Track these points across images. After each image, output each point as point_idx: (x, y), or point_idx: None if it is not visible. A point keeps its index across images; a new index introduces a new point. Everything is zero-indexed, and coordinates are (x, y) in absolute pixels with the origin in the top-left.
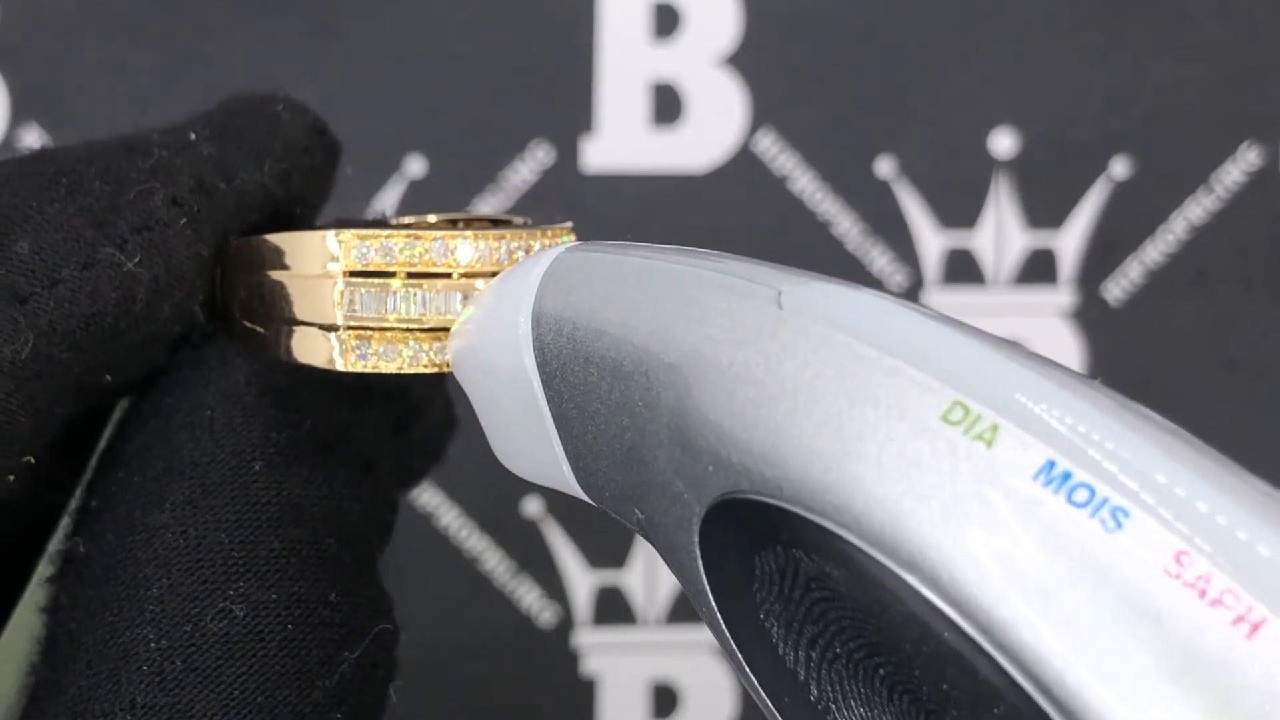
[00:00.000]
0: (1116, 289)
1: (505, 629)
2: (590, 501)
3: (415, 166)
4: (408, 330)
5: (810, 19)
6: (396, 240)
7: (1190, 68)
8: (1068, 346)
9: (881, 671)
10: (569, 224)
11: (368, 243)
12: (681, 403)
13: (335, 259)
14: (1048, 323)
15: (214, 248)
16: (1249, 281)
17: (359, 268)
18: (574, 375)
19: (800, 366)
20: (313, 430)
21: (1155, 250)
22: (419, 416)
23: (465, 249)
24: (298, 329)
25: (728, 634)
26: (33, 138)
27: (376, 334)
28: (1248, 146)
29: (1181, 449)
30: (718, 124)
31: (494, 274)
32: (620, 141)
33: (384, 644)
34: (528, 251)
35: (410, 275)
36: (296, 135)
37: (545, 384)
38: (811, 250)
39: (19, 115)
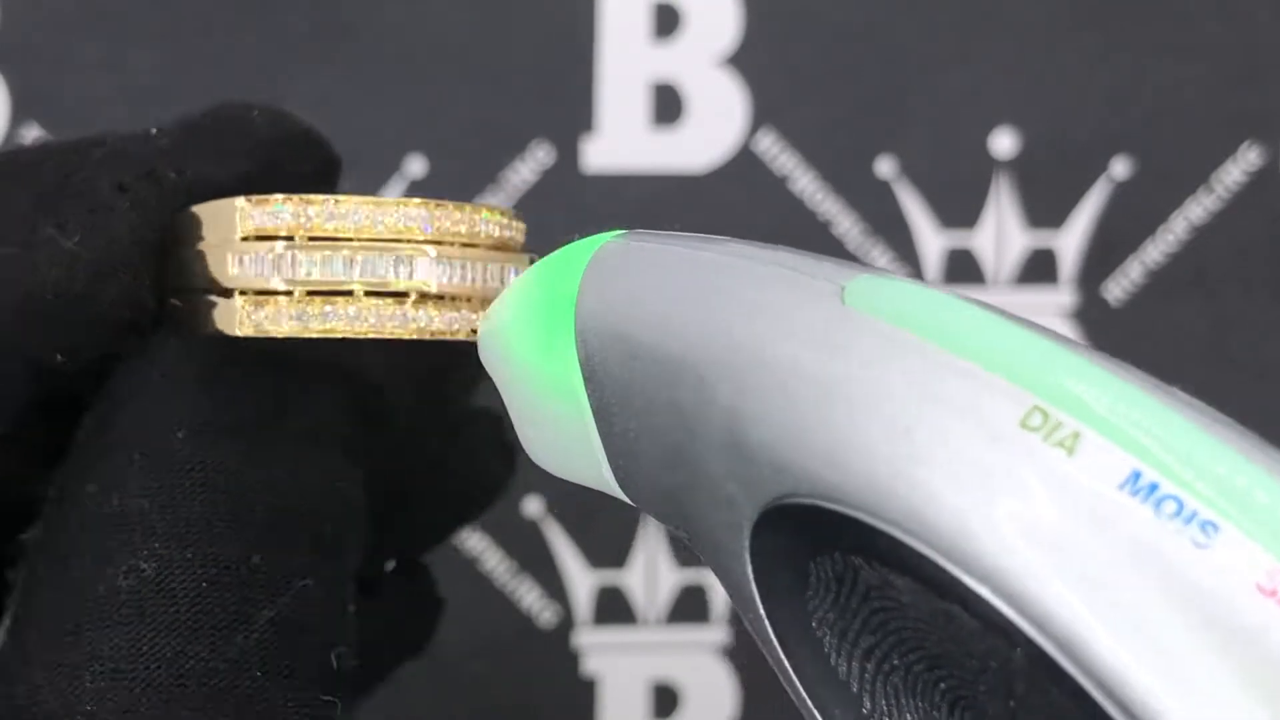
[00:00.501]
0: (1117, 289)
1: (505, 629)
2: (628, 501)
3: (415, 166)
4: (308, 294)
5: (810, 19)
6: (288, 205)
7: (1190, 68)
8: None
9: (943, 686)
10: (509, 208)
11: (261, 208)
12: (737, 402)
13: (234, 226)
14: (1048, 323)
15: (160, 233)
16: (1249, 281)
17: (254, 233)
18: (618, 370)
19: (866, 365)
20: (247, 402)
21: (1155, 250)
22: (380, 396)
23: (358, 214)
24: (212, 299)
25: (775, 641)
26: (32, 137)
27: (271, 299)
28: (1248, 146)
29: (1271, 461)
30: (718, 124)
31: (392, 240)
32: (620, 141)
33: (314, 606)
34: (432, 224)
35: (311, 239)
36: (267, 138)
37: (587, 377)
38: (811, 250)
39: (19, 115)
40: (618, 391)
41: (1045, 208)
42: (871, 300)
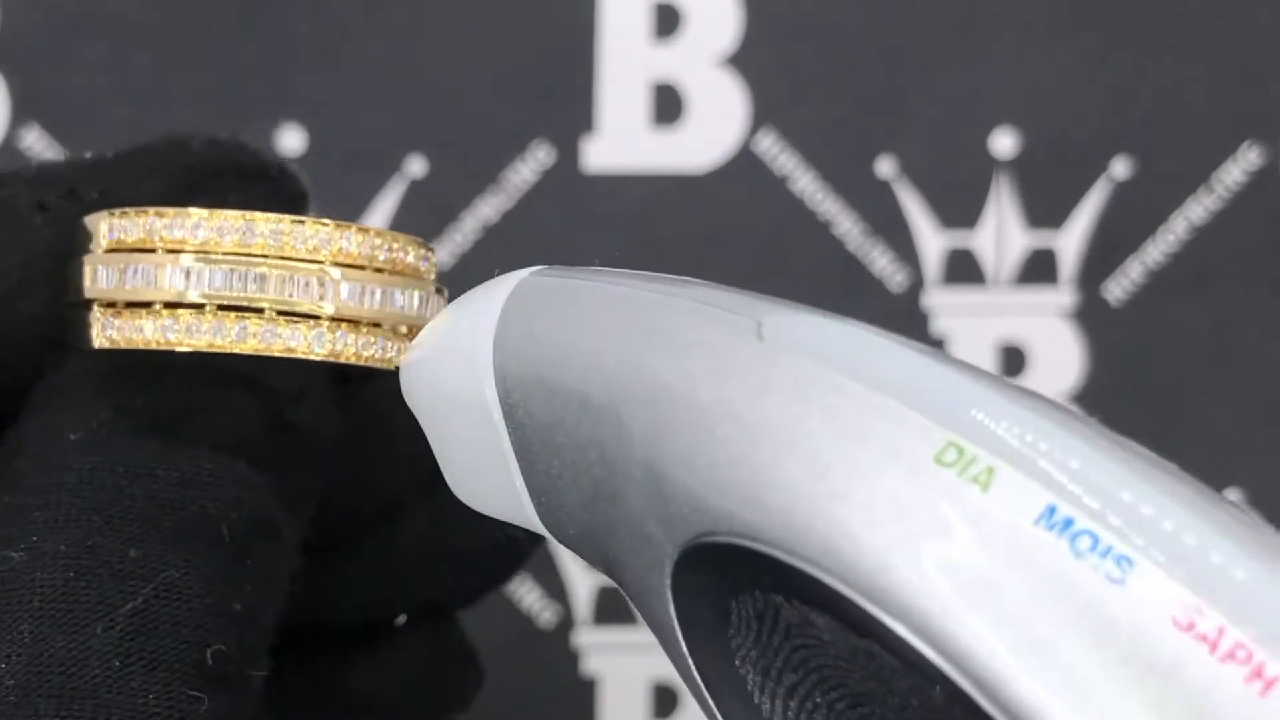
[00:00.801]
0: (1117, 289)
1: (505, 629)
2: (552, 538)
3: (415, 166)
4: (165, 305)
5: (810, 19)
6: (140, 218)
7: (1190, 68)
8: (1068, 346)
9: None
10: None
11: (114, 219)
12: (656, 440)
13: (99, 238)
14: (1048, 323)
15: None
16: (1249, 281)
17: (111, 245)
18: (539, 407)
19: (784, 403)
20: (144, 407)
21: (1156, 250)
22: (300, 405)
23: (201, 228)
24: (82, 311)
25: (699, 680)
26: (33, 138)
27: (126, 310)
28: (1248, 146)
29: (1182, 490)
30: (718, 124)
31: (232, 254)
32: (620, 141)
33: (186, 601)
34: (277, 237)
35: (166, 251)
36: (196, 163)
37: (507, 415)
38: (811, 250)
39: (19, 115)
40: (538, 429)
41: (1045, 208)
42: (789, 337)
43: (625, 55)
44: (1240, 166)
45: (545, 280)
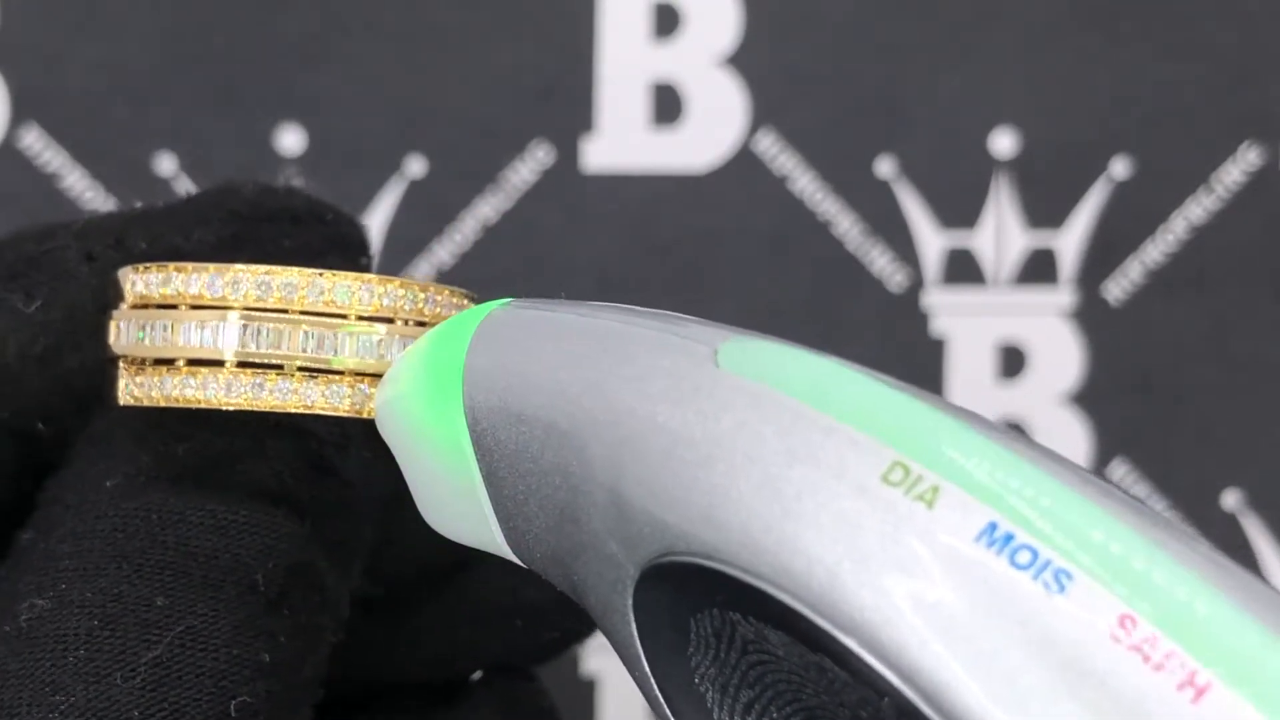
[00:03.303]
0: (1116, 289)
1: None
2: (519, 563)
3: (415, 166)
4: (189, 363)
5: (810, 19)
6: (159, 273)
7: (1190, 68)
8: (1068, 346)
9: None
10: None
11: (138, 274)
12: (617, 462)
13: (125, 293)
14: (1048, 323)
15: None
16: (1249, 281)
17: (135, 300)
18: (506, 434)
19: (738, 425)
20: (179, 456)
21: (1155, 250)
22: (343, 453)
23: (218, 284)
24: (115, 365)
25: (661, 699)
26: (33, 138)
27: (151, 366)
28: (1248, 146)
29: (1118, 507)
30: (718, 124)
31: (252, 310)
32: (620, 141)
33: (210, 651)
34: (291, 291)
35: (188, 308)
36: (244, 210)
37: (475, 442)
38: (812, 251)
39: (19, 115)
40: (505, 456)
41: (1045, 208)
42: (743, 362)
43: (625, 55)
44: (1240, 166)
45: (512, 313)
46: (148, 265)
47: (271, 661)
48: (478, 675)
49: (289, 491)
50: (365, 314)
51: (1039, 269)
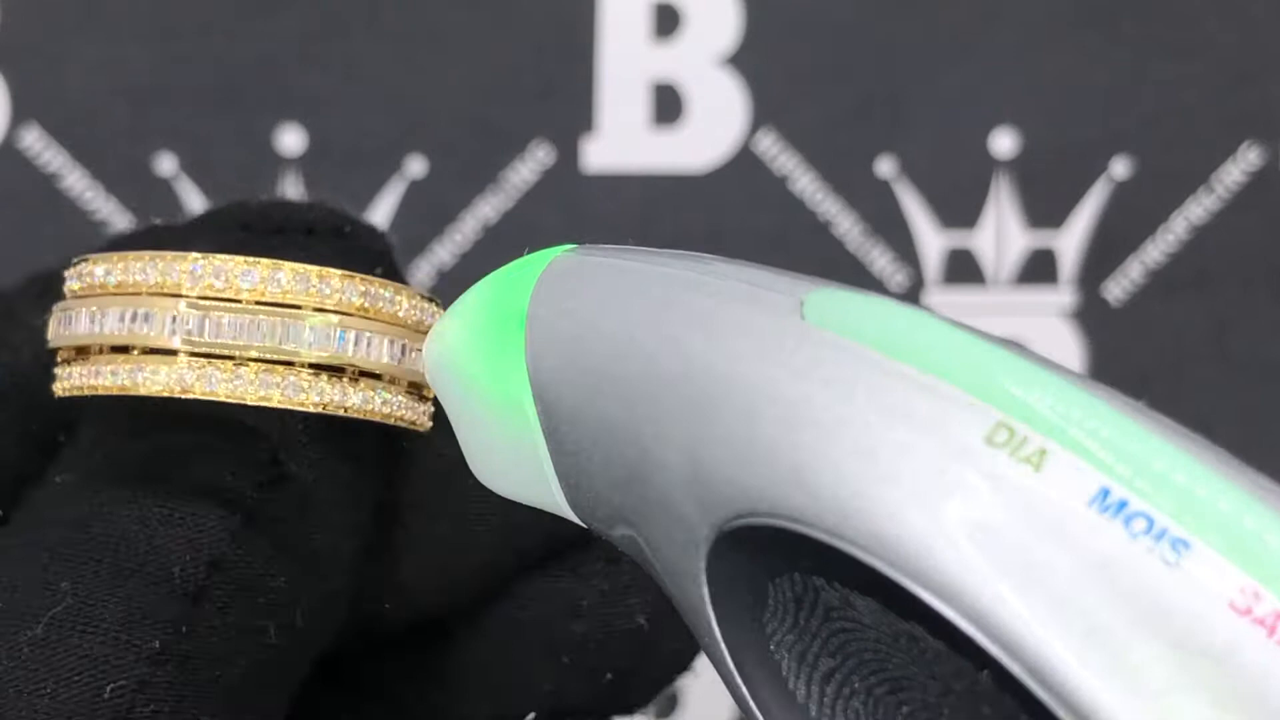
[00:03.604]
0: (1117, 289)
1: None
2: (578, 521)
3: (415, 166)
4: (111, 350)
5: (810, 19)
6: (102, 264)
7: (1190, 68)
8: (1068, 346)
9: (905, 709)
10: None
11: (77, 266)
12: (693, 421)
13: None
14: (1048, 323)
15: None
16: (1249, 281)
17: (83, 290)
18: (570, 389)
19: (827, 383)
20: (130, 457)
21: (1155, 250)
22: (298, 454)
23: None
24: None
25: (731, 665)
26: (33, 138)
27: (96, 355)
28: (1248, 146)
29: (1236, 473)
30: (718, 124)
31: (207, 299)
32: (620, 141)
33: (83, 634)
34: (250, 280)
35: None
36: (262, 219)
37: (537, 396)
38: (811, 250)
39: (19, 115)
40: (569, 410)
41: (1045, 208)
42: (831, 315)
43: (625, 55)
44: (1240, 166)
45: (578, 259)
46: (100, 255)
47: (168, 652)
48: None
49: (231, 491)
50: (324, 307)
51: (1039, 269)
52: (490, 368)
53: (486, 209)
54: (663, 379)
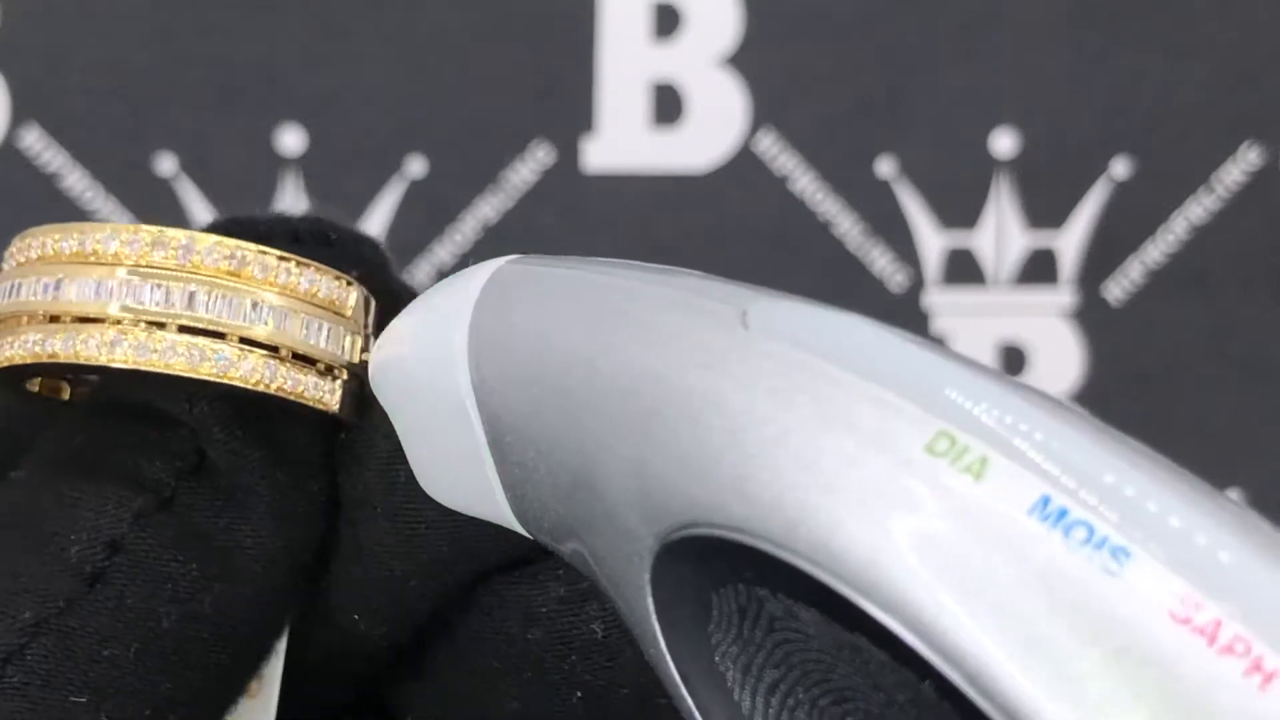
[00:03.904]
0: (1117, 289)
1: None
2: (524, 532)
3: (415, 166)
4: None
5: (810, 19)
6: (44, 235)
7: (1190, 68)
8: (1068, 346)
9: None
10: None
11: (33, 237)
12: (638, 430)
13: None
14: (1048, 323)
15: None
16: (1249, 281)
17: (29, 259)
18: (514, 398)
19: (771, 392)
20: (74, 446)
21: (1155, 250)
22: (215, 444)
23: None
24: None
25: (677, 677)
26: (33, 137)
27: (28, 324)
28: (1248, 146)
29: (1178, 483)
30: (718, 124)
31: (142, 267)
32: (620, 141)
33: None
34: (156, 248)
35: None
36: (251, 230)
37: (481, 406)
38: (812, 251)
39: (19, 115)
40: (513, 421)
41: (1045, 208)
42: (774, 325)
43: (625, 55)
44: (1240, 166)
45: (522, 269)
46: (35, 229)
47: (45, 625)
48: None
49: (149, 477)
50: (261, 285)
51: (1039, 269)
52: (435, 379)
53: (486, 209)
54: (606, 389)
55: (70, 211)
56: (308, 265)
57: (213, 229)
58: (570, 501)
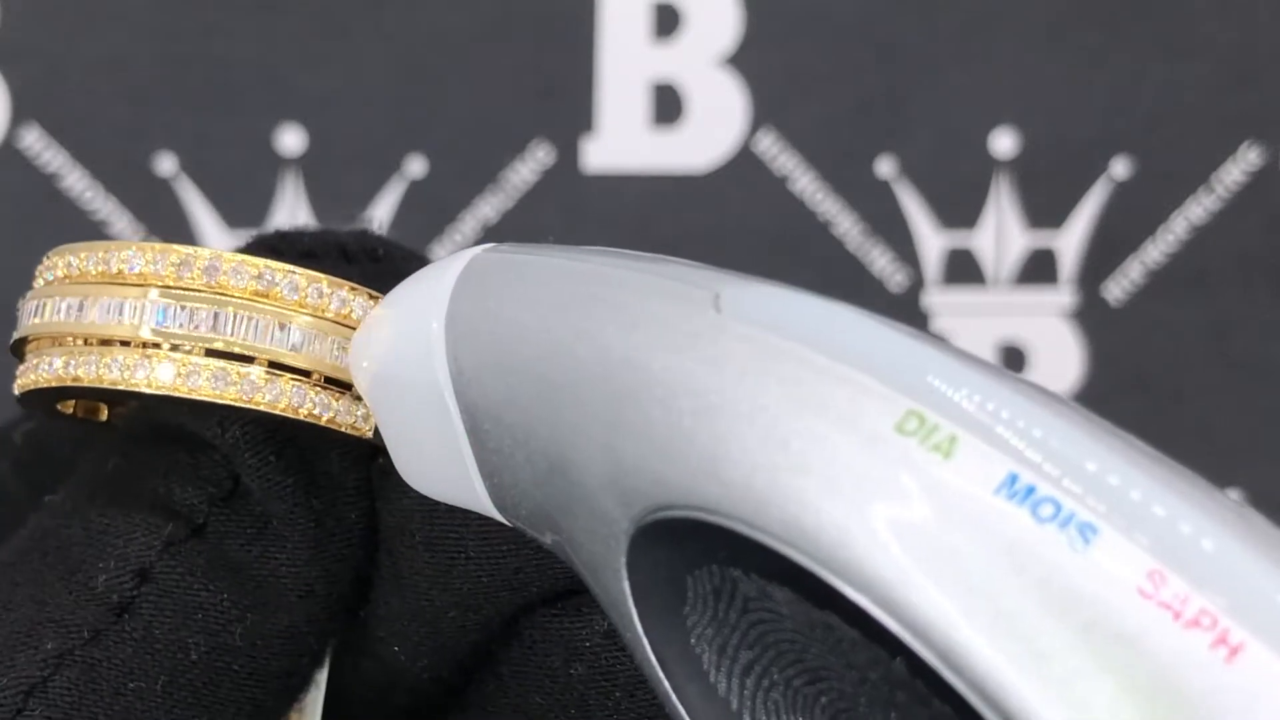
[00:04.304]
0: (1116, 289)
1: None
2: (502, 520)
3: (415, 166)
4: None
5: (810, 19)
6: (66, 255)
7: (1190, 68)
8: (1068, 346)
9: (824, 700)
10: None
11: (45, 260)
12: (611, 414)
13: None
14: (1048, 323)
15: None
16: (1249, 281)
17: (59, 278)
18: (491, 385)
19: (741, 374)
20: (107, 472)
21: (1155, 250)
22: (251, 473)
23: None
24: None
25: (654, 659)
26: (33, 137)
27: (51, 346)
28: (1248, 146)
29: (1145, 460)
30: (718, 124)
31: (169, 287)
32: (620, 141)
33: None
34: (182, 269)
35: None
36: (293, 245)
37: (458, 395)
38: (812, 250)
39: (19, 115)
40: (490, 408)
41: (1045, 208)
42: (746, 308)
43: (625, 55)
44: (1240, 166)
45: (497, 257)
46: (63, 247)
47: (69, 657)
48: None
49: (182, 504)
50: (290, 306)
51: (1039, 269)
52: (412, 368)
53: (486, 209)
54: (580, 373)
55: (70, 211)
56: (340, 285)
57: (258, 242)
58: (547, 488)
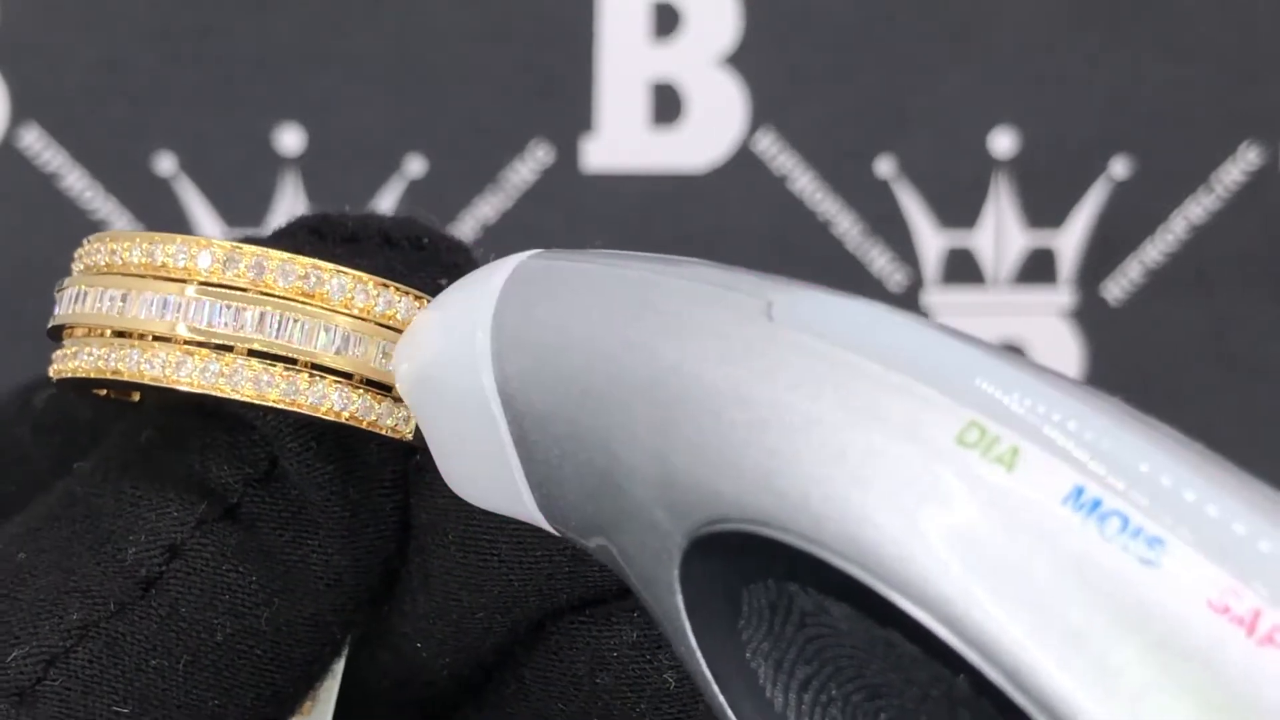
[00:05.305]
0: (1116, 289)
1: None
2: (552, 530)
3: (415, 166)
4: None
5: (810, 19)
6: (107, 243)
7: (1190, 68)
8: (1068, 346)
9: (883, 717)
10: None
11: (84, 246)
12: (663, 426)
13: None
14: (1048, 323)
15: None
16: (1249, 281)
17: (98, 268)
18: (538, 395)
19: (797, 384)
20: (140, 444)
21: (1155, 250)
22: (300, 457)
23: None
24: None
25: (709, 674)
26: (32, 137)
27: (88, 337)
28: (1248, 146)
29: (1213, 469)
30: (718, 124)
31: (211, 285)
32: (620, 141)
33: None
34: (228, 265)
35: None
36: (335, 228)
37: (505, 404)
38: (811, 250)
39: (19, 115)
40: (538, 419)
41: (1045, 208)
42: (799, 316)
43: (625, 55)
44: (1240, 166)
45: (544, 263)
46: (99, 234)
47: (93, 629)
48: None
49: (218, 482)
50: (336, 307)
51: (1039, 269)
52: (457, 376)
53: (486, 209)
54: (630, 384)
55: (70, 211)
56: (386, 286)
57: (301, 224)
58: (597, 499)
